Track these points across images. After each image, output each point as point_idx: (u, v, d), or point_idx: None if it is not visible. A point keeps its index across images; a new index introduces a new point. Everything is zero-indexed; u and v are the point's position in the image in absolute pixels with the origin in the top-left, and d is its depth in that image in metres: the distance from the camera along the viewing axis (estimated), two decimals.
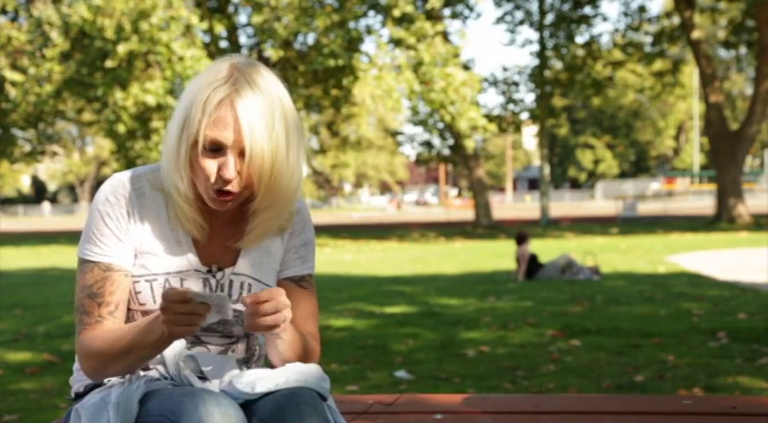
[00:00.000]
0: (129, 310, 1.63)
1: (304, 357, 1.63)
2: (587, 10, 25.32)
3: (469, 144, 22.82)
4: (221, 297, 1.42)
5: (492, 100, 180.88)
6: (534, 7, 25.69)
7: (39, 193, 74.32)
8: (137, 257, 1.62)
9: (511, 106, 26.28)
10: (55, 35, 20.66)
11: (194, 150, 1.53)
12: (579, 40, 26.28)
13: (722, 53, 48.39)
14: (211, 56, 20.54)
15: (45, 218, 60.71)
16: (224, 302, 1.42)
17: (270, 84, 1.55)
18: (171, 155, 1.56)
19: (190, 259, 1.63)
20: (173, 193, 1.59)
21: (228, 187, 1.53)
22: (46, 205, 67.49)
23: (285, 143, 1.54)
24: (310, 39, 22.05)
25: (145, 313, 1.61)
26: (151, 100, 19.64)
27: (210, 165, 1.52)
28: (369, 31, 21.58)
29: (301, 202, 1.73)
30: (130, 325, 1.56)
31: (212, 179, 1.53)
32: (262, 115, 1.50)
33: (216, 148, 1.51)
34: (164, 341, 1.47)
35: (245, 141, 1.49)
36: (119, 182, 1.62)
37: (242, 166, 1.52)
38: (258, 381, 1.51)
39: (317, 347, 1.70)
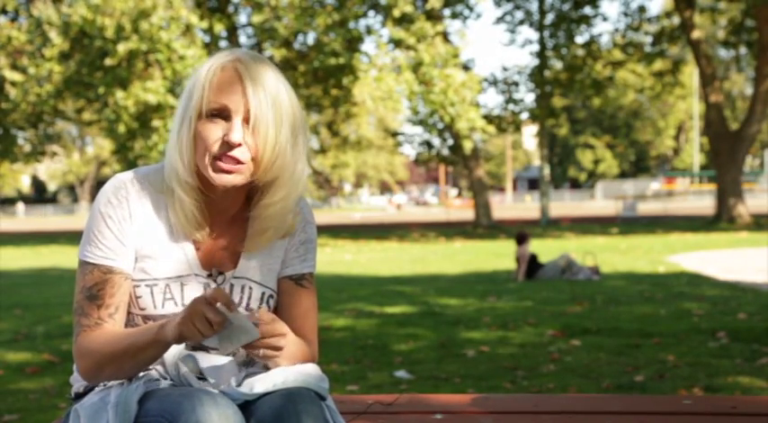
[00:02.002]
0: (129, 313, 1.62)
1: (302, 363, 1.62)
2: (587, 10, 25.31)
3: (467, 145, 22.83)
4: (247, 333, 1.42)
5: (492, 100, 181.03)
6: (534, 7, 25.70)
7: (38, 193, 74.35)
8: (137, 261, 1.60)
9: (511, 106, 26.28)
10: (54, 35, 20.66)
11: (198, 121, 1.52)
12: (579, 40, 26.28)
13: (722, 53, 48.44)
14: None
15: (20, 219, 60.25)
16: (237, 337, 1.42)
17: (270, 68, 1.56)
18: (174, 137, 1.55)
19: (191, 263, 1.62)
20: (175, 185, 1.57)
21: (234, 153, 1.51)
22: (20, 206, 67.32)
23: (287, 117, 1.54)
24: (310, 38, 22.08)
25: (145, 317, 1.61)
26: (152, 98, 19.63)
27: (215, 131, 1.51)
28: (369, 31, 21.60)
29: (303, 201, 1.72)
30: (128, 329, 1.56)
31: (216, 146, 1.51)
32: (265, 86, 1.51)
33: (220, 114, 1.51)
34: (159, 342, 1.47)
35: (251, 106, 1.49)
36: (120, 183, 1.60)
37: (246, 134, 1.51)
38: (257, 381, 1.51)
39: (314, 351, 1.69)
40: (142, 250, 1.60)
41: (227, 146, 1.50)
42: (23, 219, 60.70)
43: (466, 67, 23.19)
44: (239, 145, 1.50)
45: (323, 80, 23.06)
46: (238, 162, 1.51)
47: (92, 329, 1.57)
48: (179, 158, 1.54)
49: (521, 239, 10.49)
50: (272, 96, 1.51)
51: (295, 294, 1.69)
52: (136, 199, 1.60)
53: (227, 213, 1.63)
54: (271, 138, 1.51)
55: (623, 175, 66.18)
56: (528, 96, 58.92)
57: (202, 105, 1.50)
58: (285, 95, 1.55)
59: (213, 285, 1.63)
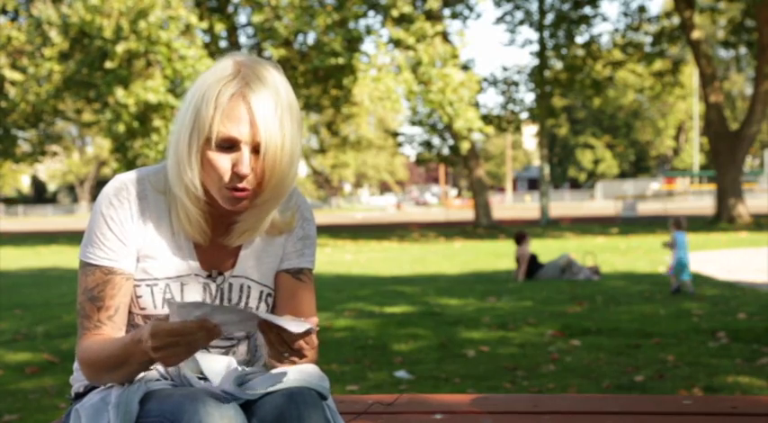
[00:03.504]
0: (129, 313, 1.62)
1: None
2: (587, 10, 25.33)
3: (464, 146, 22.83)
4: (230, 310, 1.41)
5: (492, 100, 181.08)
6: (534, 7, 25.72)
7: (39, 193, 74.32)
8: (138, 261, 1.60)
9: (511, 106, 26.29)
10: (54, 35, 20.66)
11: (206, 147, 1.51)
12: (579, 40, 26.31)
13: (722, 53, 48.46)
14: (212, 55, 20.54)
15: (2, 219, 59.94)
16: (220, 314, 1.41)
17: (275, 78, 1.54)
18: (182, 154, 1.54)
19: (190, 264, 1.62)
20: (181, 195, 1.56)
21: (243, 184, 1.51)
22: (0, 207, 67.20)
23: (290, 137, 1.54)
24: (310, 38, 22.09)
25: (146, 317, 1.61)
26: (153, 98, 19.62)
27: (224, 161, 1.50)
28: (368, 31, 21.60)
29: (302, 199, 1.72)
30: (116, 340, 1.54)
31: (226, 177, 1.51)
32: (274, 110, 1.50)
33: (229, 145, 1.50)
34: (145, 363, 1.47)
35: (260, 137, 1.49)
36: (121, 184, 1.60)
37: (255, 162, 1.51)
38: (258, 381, 1.51)
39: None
40: (143, 250, 1.60)
41: (237, 177, 1.51)
42: (5, 219, 60.38)
43: (465, 67, 23.19)
44: (248, 175, 1.51)
45: (323, 80, 23.06)
46: (247, 188, 1.53)
47: (92, 332, 1.57)
48: (189, 174, 1.54)
49: (520, 239, 10.50)
50: (279, 119, 1.50)
51: (292, 288, 1.69)
52: (137, 200, 1.59)
53: (228, 218, 1.63)
54: (278, 163, 1.51)
55: (623, 175, 66.15)
56: (528, 96, 58.97)
57: (211, 135, 1.50)
58: (288, 109, 1.53)
59: (213, 285, 1.64)
